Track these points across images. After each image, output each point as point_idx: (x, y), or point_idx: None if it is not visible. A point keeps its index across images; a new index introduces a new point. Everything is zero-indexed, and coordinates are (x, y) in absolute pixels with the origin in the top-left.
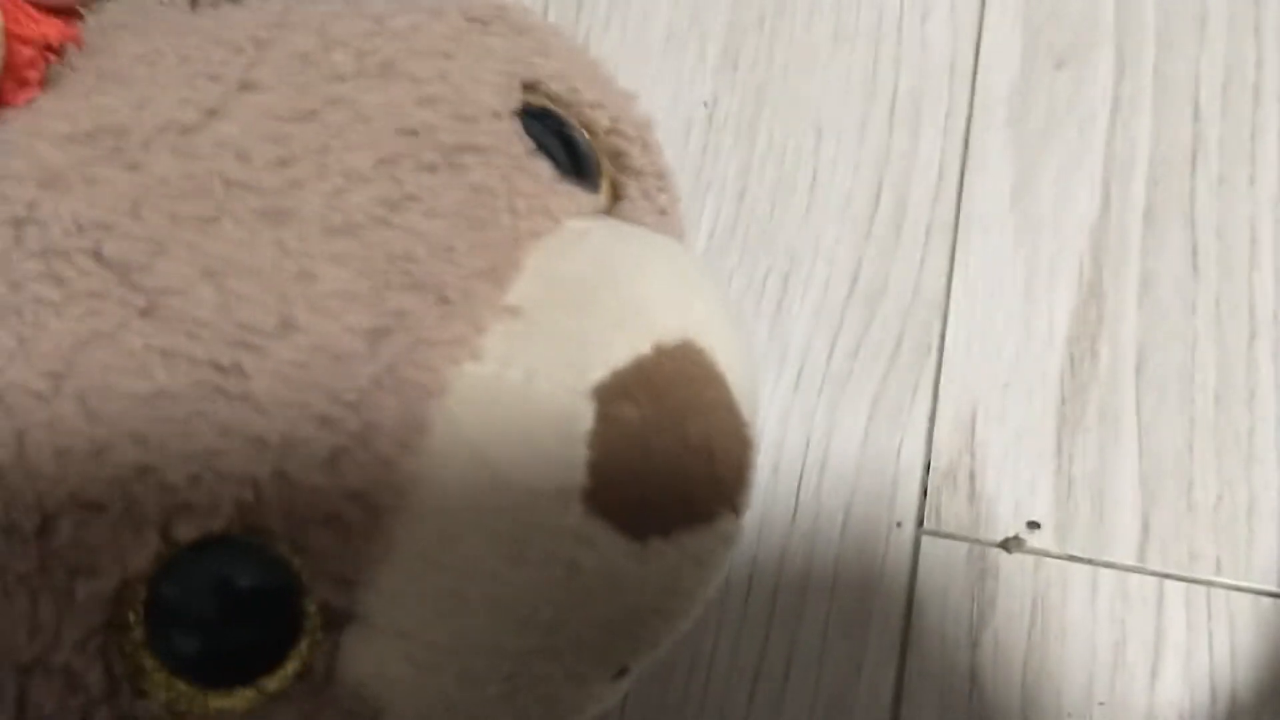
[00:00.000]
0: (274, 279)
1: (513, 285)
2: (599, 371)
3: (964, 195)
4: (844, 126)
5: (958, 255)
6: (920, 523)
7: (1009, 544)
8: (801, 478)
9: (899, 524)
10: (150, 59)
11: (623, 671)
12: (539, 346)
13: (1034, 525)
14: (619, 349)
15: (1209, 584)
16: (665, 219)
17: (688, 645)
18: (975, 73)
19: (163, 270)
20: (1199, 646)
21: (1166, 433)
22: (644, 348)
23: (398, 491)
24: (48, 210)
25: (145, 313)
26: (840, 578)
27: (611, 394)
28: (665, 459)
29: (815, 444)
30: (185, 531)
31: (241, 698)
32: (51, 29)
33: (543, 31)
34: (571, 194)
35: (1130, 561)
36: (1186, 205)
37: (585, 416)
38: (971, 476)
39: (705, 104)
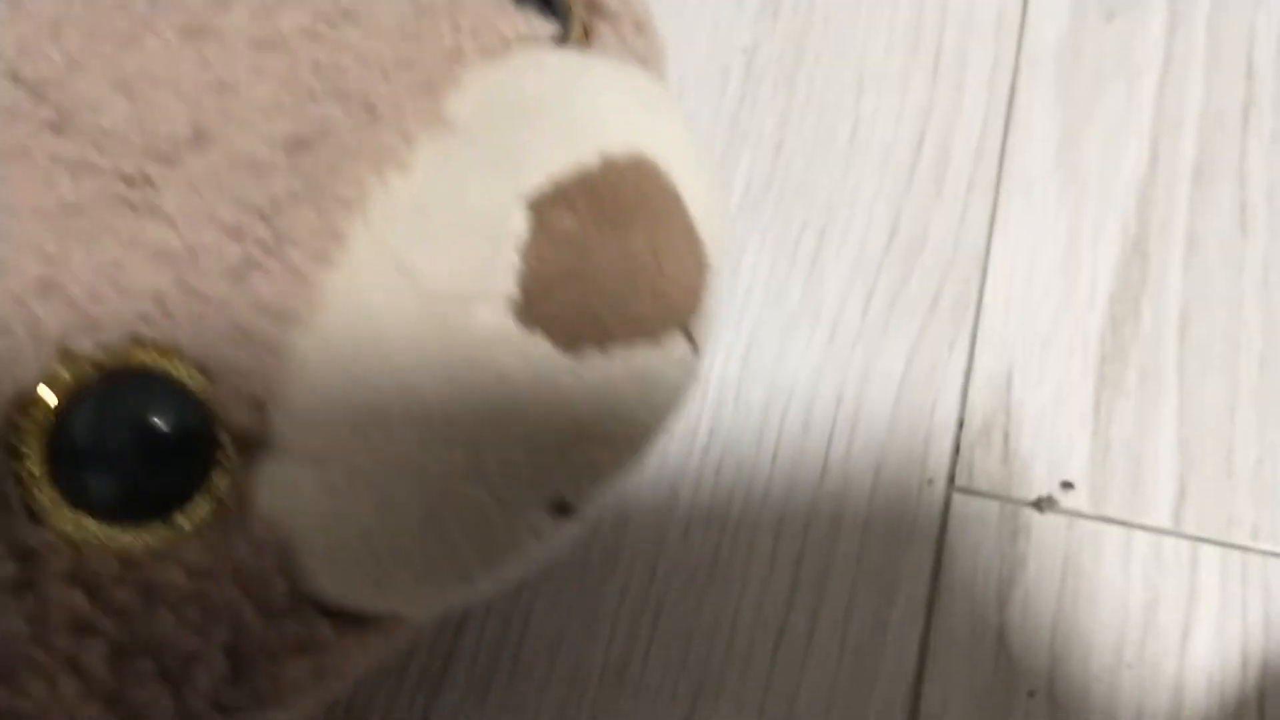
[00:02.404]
0: (191, 91)
1: (449, 100)
2: (536, 178)
3: (1007, 150)
4: (886, 78)
5: (999, 210)
6: (952, 480)
7: (1041, 504)
8: (833, 432)
9: (930, 481)
10: None
11: (565, 509)
12: (473, 158)
13: (1068, 485)
14: (560, 157)
15: (1245, 549)
16: (642, 69)
17: (711, 598)
18: (1023, 24)
19: (75, 85)
20: (1232, 612)
21: (1208, 395)
22: (589, 157)
23: (310, 304)
24: None
25: (55, 126)
26: (869, 534)
27: (549, 201)
28: (605, 268)
29: (848, 398)
30: (85, 345)
31: (151, 533)
32: None
33: None
34: (527, 18)
35: (1165, 524)
36: (1236, 164)
37: (518, 224)
38: (1006, 435)
39: (744, 52)
